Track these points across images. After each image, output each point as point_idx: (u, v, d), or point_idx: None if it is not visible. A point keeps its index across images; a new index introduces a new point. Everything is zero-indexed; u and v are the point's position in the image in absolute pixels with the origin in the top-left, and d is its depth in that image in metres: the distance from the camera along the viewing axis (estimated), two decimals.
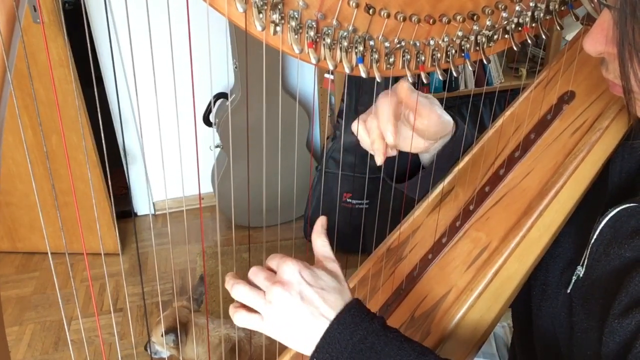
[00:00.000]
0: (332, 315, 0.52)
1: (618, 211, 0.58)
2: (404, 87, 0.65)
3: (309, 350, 0.52)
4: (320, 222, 0.60)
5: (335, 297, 0.53)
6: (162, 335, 1.49)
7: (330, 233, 0.60)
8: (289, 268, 0.53)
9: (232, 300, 0.57)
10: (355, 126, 0.68)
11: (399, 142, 0.71)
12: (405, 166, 0.78)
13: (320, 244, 0.59)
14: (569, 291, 0.62)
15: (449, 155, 0.74)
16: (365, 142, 0.68)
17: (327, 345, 0.51)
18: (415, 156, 0.78)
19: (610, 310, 0.54)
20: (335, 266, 0.57)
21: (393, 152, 0.69)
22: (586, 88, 0.71)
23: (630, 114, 0.60)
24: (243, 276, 0.57)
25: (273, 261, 0.56)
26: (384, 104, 0.64)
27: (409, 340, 0.52)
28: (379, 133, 0.65)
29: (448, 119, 0.72)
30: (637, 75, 0.47)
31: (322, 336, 0.51)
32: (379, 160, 0.66)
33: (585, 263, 0.61)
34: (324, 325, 0.52)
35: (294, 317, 0.52)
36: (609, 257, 0.57)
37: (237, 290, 0.55)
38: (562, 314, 0.63)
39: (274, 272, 0.55)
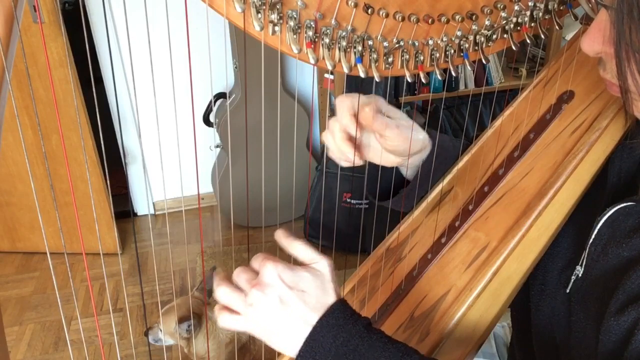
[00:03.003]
0: (314, 318, 0.51)
1: (616, 210, 0.58)
2: (367, 115, 0.63)
3: (294, 352, 0.52)
4: (281, 234, 0.57)
5: (317, 299, 0.52)
6: (175, 324, 1.46)
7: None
8: (268, 270, 0.52)
9: None
10: (325, 138, 0.68)
11: (369, 155, 0.71)
12: (388, 184, 0.77)
13: (300, 250, 0.56)
14: (568, 291, 0.62)
15: (428, 170, 0.73)
16: (332, 147, 0.67)
17: (311, 348, 0.51)
18: (399, 172, 0.77)
19: (607, 308, 0.54)
20: (321, 265, 0.55)
21: (360, 162, 0.68)
22: (585, 88, 0.71)
23: (627, 114, 0.60)
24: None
25: (256, 262, 0.55)
26: (342, 102, 0.64)
27: (393, 341, 0.52)
28: (343, 135, 0.64)
29: (420, 137, 0.69)
30: (634, 74, 0.47)
31: (306, 340, 0.51)
32: (352, 158, 0.65)
33: (584, 263, 0.61)
34: (307, 328, 0.51)
35: (274, 320, 0.52)
36: (607, 256, 0.57)
37: (220, 291, 0.54)
38: (561, 313, 0.63)
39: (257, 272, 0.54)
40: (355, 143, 0.65)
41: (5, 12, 0.44)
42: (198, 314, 1.53)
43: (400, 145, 0.67)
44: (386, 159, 0.71)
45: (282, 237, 0.56)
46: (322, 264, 0.55)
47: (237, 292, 0.54)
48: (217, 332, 1.56)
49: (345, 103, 0.65)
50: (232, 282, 0.55)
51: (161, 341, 1.56)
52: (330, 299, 0.53)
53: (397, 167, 0.76)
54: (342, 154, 0.66)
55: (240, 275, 0.54)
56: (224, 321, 0.54)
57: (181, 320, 1.46)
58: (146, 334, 1.60)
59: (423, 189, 0.75)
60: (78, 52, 2.07)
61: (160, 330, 1.54)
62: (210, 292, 1.58)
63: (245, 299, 0.53)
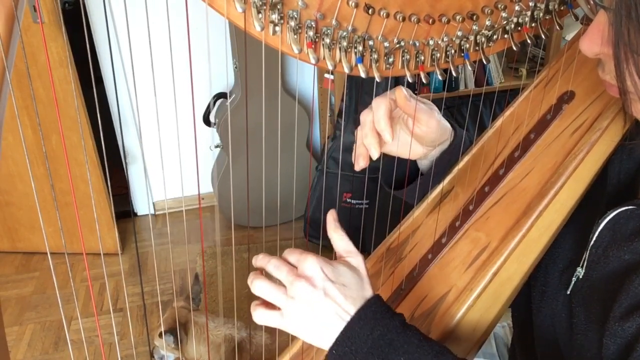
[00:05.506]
0: (352, 310, 0.52)
1: (617, 213, 0.58)
2: (401, 94, 0.65)
3: (327, 345, 0.52)
4: (332, 217, 0.59)
5: (356, 293, 0.53)
6: (159, 336, 1.49)
7: (346, 234, 0.60)
8: (310, 263, 0.53)
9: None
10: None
11: (396, 147, 0.71)
12: (403, 173, 0.78)
13: (338, 238, 0.58)
14: (568, 292, 0.62)
15: (447, 161, 0.75)
16: (358, 141, 0.68)
17: (347, 339, 0.51)
18: (413, 163, 0.78)
19: (611, 312, 0.54)
20: (357, 260, 0.57)
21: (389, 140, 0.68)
22: (586, 88, 0.71)
23: (626, 115, 0.60)
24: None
25: (292, 256, 0.56)
26: (380, 104, 0.64)
27: (428, 339, 0.53)
28: (372, 126, 0.65)
29: (446, 125, 0.72)
30: (632, 75, 0.47)
31: (342, 330, 0.52)
32: (375, 154, 0.65)
33: (585, 265, 0.61)
34: (345, 320, 0.52)
35: (316, 312, 0.52)
36: (608, 259, 0.57)
37: (258, 285, 0.54)
38: (562, 315, 0.63)
39: (294, 267, 0.55)
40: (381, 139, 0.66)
41: (5, 12, 0.44)
42: (183, 323, 1.55)
43: (431, 131, 0.69)
44: (413, 151, 0.72)
45: (332, 219, 0.59)
46: (358, 259, 0.57)
47: (277, 286, 0.54)
48: (204, 336, 1.57)
49: (382, 107, 0.65)
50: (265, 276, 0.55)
51: (165, 358, 1.59)
52: (368, 293, 0.54)
53: (409, 161, 0.77)
54: (366, 149, 0.66)
55: (280, 268, 0.55)
56: (260, 316, 0.55)
57: (166, 332, 1.47)
58: (153, 355, 1.64)
59: (438, 179, 0.75)
60: (78, 52, 2.07)
61: (157, 347, 1.58)
62: (194, 300, 1.59)
63: (286, 292, 0.53)
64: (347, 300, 0.52)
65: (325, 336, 0.53)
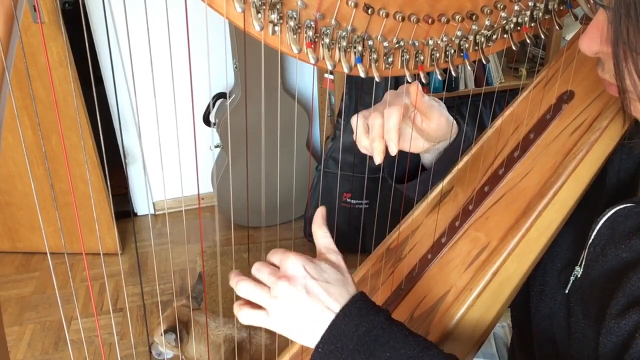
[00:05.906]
0: (337, 307, 0.52)
1: (615, 211, 0.58)
2: (416, 91, 0.65)
3: (313, 343, 0.52)
4: (320, 213, 0.60)
5: (339, 289, 0.53)
6: (161, 335, 1.49)
7: (330, 233, 0.60)
8: (292, 262, 0.53)
9: (232, 300, 0.57)
10: (354, 121, 0.68)
11: (401, 142, 0.71)
12: (406, 166, 0.78)
13: (321, 235, 0.59)
14: (567, 291, 0.62)
15: (450, 158, 0.75)
16: (362, 141, 0.67)
17: (333, 336, 0.51)
18: (416, 155, 0.78)
19: (607, 310, 0.54)
20: (337, 258, 0.57)
21: (379, 160, 0.68)
22: (585, 88, 0.71)
23: (626, 114, 0.60)
24: (245, 275, 0.57)
25: (275, 256, 0.56)
26: (392, 113, 0.64)
27: (413, 334, 0.52)
28: (381, 132, 0.65)
29: (453, 122, 0.73)
30: (631, 74, 0.47)
31: (328, 328, 0.51)
32: (378, 160, 0.66)
33: (583, 263, 0.61)
34: (330, 317, 0.52)
35: (300, 311, 0.52)
36: (606, 257, 0.57)
37: (242, 287, 0.55)
38: (560, 314, 0.63)
39: (276, 267, 0.55)
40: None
41: (5, 12, 0.44)
42: (184, 322, 1.54)
43: (439, 128, 0.70)
44: (415, 145, 0.72)
45: (320, 215, 0.59)
46: (338, 257, 0.57)
47: (260, 286, 0.54)
48: (205, 335, 1.57)
49: (394, 115, 0.64)
50: (250, 278, 0.56)
51: (163, 354, 1.60)
52: (351, 289, 0.54)
53: (412, 154, 0.77)
54: (372, 149, 0.66)
55: (261, 270, 0.55)
56: (245, 316, 0.55)
57: (167, 331, 1.48)
58: (151, 351, 1.64)
59: (440, 175, 0.75)
60: (78, 52, 2.07)
61: (157, 344, 1.58)
62: (196, 299, 1.60)
63: (270, 292, 0.53)
64: (331, 297, 0.52)
65: (310, 334, 0.52)
